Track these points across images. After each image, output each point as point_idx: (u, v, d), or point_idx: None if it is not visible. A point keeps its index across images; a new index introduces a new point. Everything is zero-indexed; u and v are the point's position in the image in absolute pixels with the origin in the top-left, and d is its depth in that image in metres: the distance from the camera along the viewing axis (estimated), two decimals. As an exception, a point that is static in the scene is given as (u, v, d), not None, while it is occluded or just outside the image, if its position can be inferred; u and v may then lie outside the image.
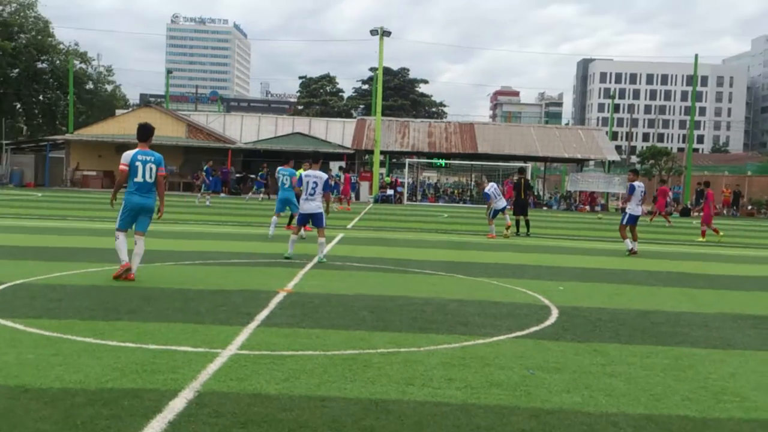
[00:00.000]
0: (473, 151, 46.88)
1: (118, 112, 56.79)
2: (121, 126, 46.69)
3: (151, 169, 9.28)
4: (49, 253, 11.87)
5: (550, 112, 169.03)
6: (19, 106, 57.16)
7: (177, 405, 4.46)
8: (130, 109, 55.84)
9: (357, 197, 43.66)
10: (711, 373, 5.85)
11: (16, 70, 53.61)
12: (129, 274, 9.20)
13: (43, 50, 54.78)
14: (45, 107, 58.16)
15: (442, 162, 45.26)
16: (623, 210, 16.97)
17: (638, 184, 16.22)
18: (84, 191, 41.07)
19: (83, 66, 59.30)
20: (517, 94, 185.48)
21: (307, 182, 12.12)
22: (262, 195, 35.76)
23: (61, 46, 57.00)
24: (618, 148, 64.86)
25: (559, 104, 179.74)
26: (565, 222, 29.78)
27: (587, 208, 44.45)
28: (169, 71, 69.49)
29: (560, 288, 10.21)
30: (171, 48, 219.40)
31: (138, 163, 9.23)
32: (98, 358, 5.46)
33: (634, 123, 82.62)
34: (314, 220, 12.34)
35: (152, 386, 4.82)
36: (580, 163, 52.74)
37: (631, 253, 15.48)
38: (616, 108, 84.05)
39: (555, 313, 8.15)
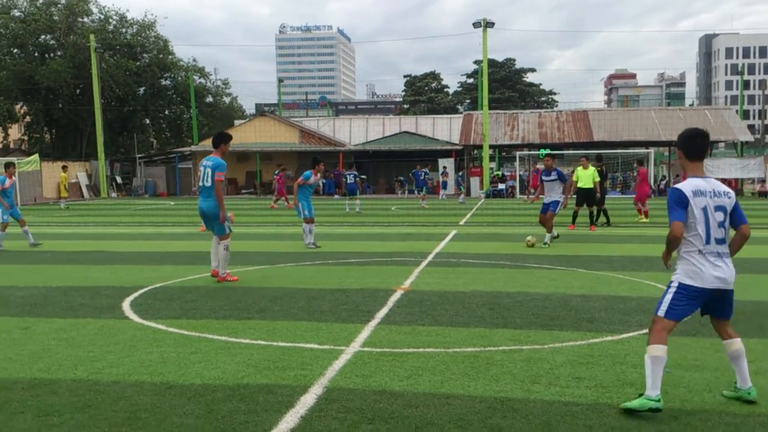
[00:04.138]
0: (588, 139, 45.30)
1: (237, 122, 59.42)
2: (240, 135, 48.64)
3: (208, 173, 9.49)
4: (183, 258, 12.63)
5: (672, 94, 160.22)
6: (147, 121, 61.06)
7: (308, 400, 4.64)
8: (248, 119, 58.23)
9: (468, 193, 43.37)
10: None
11: (142, 88, 57.29)
12: (213, 271, 9.87)
13: (164, 68, 58.19)
14: (171, 121, 61.76)
15: (542, 152, 43.89)
16: None
17: None
18: (209, 198, 43.17)
19: (202, 81, 62.50)
20: (633, 76, 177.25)
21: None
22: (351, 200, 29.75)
23: (181, 63, 60.34)
24: (750, 128, 60.64)
25: (682, 84, 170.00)
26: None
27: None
28: (280, 80, 72.05)
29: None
30: (280, 57, 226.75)
31: (201, 168, 9.66)
32: (233, 355, 5.77)
33: (767, 99, 76.74)
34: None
35: (284, 382, 5.04)
36: (709, 146, 49.73)
37: None
38: (746, 84, 78.58)
39: (689, 308, 7.75)
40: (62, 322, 7.15)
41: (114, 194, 47.29)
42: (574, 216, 18.68)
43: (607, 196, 20.27)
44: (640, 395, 4.44)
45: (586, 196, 18.44)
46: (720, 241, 4.53)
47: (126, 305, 7.98)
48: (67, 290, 9.08)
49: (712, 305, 4.66)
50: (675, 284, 4.56)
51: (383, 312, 7.53)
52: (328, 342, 6.22)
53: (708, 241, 4.48)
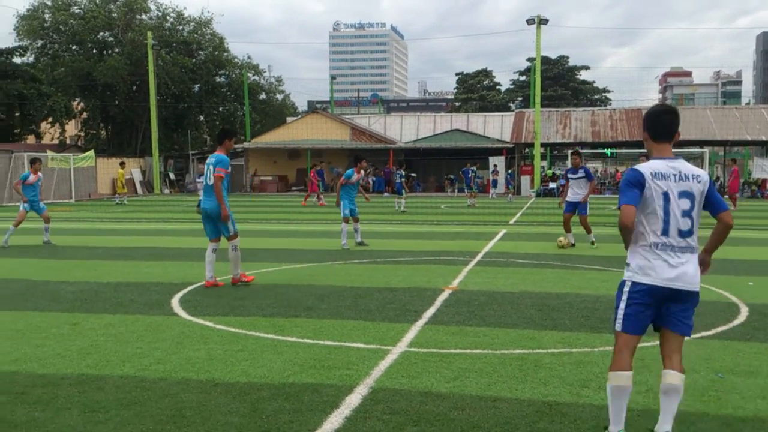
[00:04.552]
0: (641, 138, 44.29)
1: (289, 119, 60.02)
2: (292, 133, 49.34)
3: (210, 170, 9.03)
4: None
5: (728, 92, 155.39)
6: (202, 118, 62.21)
7: (353, 401, 4.61)
8: (299, 116, 58.79)
9: (518, 191, 42.85)
10: None
11: (197, 85, 58.40)
12: (233, 279, 9.30)
13: (219, 65, 59.16)
14: (224, 118, 62.82)
15: (609, 151, 43.00)
16: None
17: None
18: (262, 195, 43.86)
19: (256, 78, 63.33)
20: (689, 74, 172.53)
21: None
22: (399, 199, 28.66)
23: (236, 60, 61.26)
24: (812, 127, 58.28)
25: (738, 83, 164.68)
26: (752, 211, 27.28)
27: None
28: (332, 77, 72.35)
29: (750, 283, 9.37)
30: (333, 54, 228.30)
31: (205, 167, 9.27)
32: (280, 354, 5.78)
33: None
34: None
35: (329, 381, 5.03)
36: (765, 146, 48.08)
37: None
38: (809, 82, 75.68)
39: (744, 311, 7.48)
40: (111, 317, 7.28)
41: (167, 190, 48.33)
42: None
43: None
44: (605, 428, 3.95)
45: None
46: (684, 233, 3.80)
47: (175, 301, 8.10)
48: (117, 286, 9.27)
49: (667, 312, 3.87)
50: (627, 285, 3.87)
51: (431, 312, 7.46)
52: (375, 341, 6.18)
53: (666, 232, 3.78)
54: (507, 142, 46.59)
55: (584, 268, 10.91)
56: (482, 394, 4.75)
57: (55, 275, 10.33)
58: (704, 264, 4.04)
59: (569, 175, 14.52)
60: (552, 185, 42.70)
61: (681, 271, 3.79)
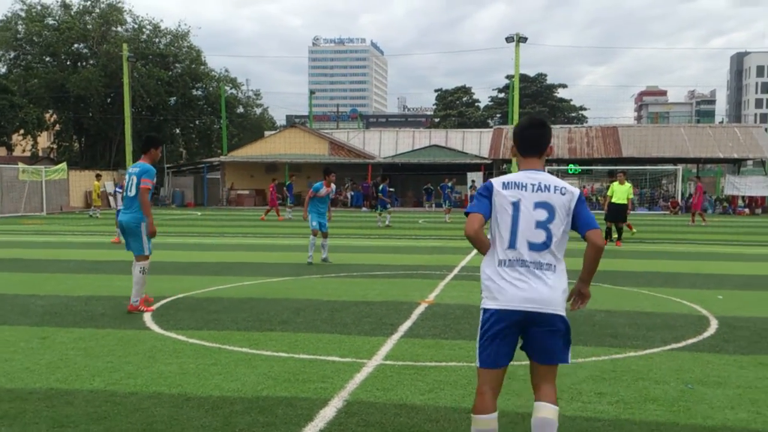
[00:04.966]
0: (617, 155, 44.84)
1: (267, 133, 59.89)
2: (269, 147, 49.22)
3: (133, 181, 8.23)
4: (207, 268, 12.69)
5: (702, 111, 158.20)
6: (178, 131, 61.82)
7: (327, 413, 4.60)
8: (278, 131, 58.72)
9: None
10: None
11: (173, 98, 58.10)
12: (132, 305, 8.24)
13: (196, 78, 58.95)
14: (201, 132, 62.49)
15: (577, 168, 43.42)
16: None
17: None
18: (238, 209, 43.64)
19: (233, 91, 63.17)
20: (664, 93, 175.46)
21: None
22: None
23: (213, 73, 61.08)
24: (781, 145, 59.47)
25: (712, 102, 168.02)
26: (723, 227, 27.73)
27: (747, 211, 41.17)
28: (311, 92, 72.41)
29: (719, 297, 9.51)
30: (313, 69, 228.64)
31: (126, 176, 8.48)
32: (254, 367, 5.74)
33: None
34: None
35: (304, 395, 5.00)
36: (737, 164, 48.96)
37: None
38: (778, 101, 77.37)
39: (714, 324, 7.60)
40: (82, 331, 7.18)
41: (143, 204, 47.81)
42: (607, 232, 18.42)
43: (633, 212, 20.06)
44: None
45: (618, 212, 18.19)
46: (536, 246, 3.38)
47: (147, 316, 8.00)
48: (88, 299, 9.14)
49: (529, 339, 3.44)
50: (481, 312, 3.47)
51: (407, 325, 7.47)
52: (350, 355, 6.17)
53: (513, 245, 3.39)
54: (485, 158, 46.95)
55: (559, 283, 10.99)
56: (456, 406, 4.76)
57: (24, 289, 10.16)
58: (580, 295, 3.62)
59: None
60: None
61: (533, 290, 3.35)
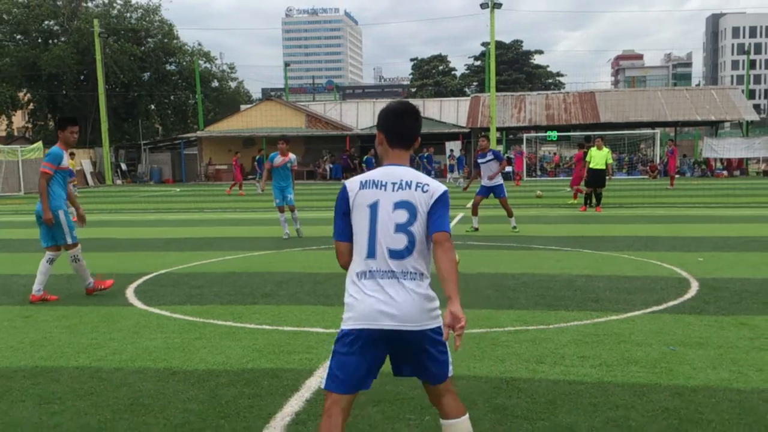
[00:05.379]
0: (595, 120, 45.03)
1: (243, 107, 59.31)
2: (246, 121, 48.75)
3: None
4: (189, 244, 12.62)
5: (678, 74, 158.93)
6: (153, 107, 61.02)
7: (313, 384, 4.62)
8: (254, 104, 58.15)
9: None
10: None
11: (147, 74, 57.26)
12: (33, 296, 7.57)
13: (169, 52, 58.06)
14: (176, 107, 61.76)
15: (554, 135, 43.54)
16: None
17: None
18: (217, 184, 43.31)
19: (207, 65, 62.35)
20: (640, 57, 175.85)
21: None
22: None
23: (186, 48, 60.17)
24: (756, 107, 60.19)
25: (688, 65, 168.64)
26: (701, 189, 28.06)
27: (725, 173, 41.67)
28: (286, 64, 71.60)
29: (699, 259, 9.65)
30: (287, 41, 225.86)
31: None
32: (238, 341, 5.75)
33: (774, 79, 76.01)
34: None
35: (289, 366, 5.02)
36: (714, 126, 49.40)
37: None
38: (752, 64, 78.09)
39: (695, 286, 7.71)
40: (65, 309, 7.14)
41: (119, 181, 47.36)
42: (586, 198, 18.60)
43: (612, 177, 20.22)
44: None
45: (596, 177, 18.30)
46: (395, 254, 2.91)
47: (130, 292, 7.97)
48: (70, 278, 9.05)
49: (401, 359, 2.99)
50: (338, 332, 3.03)
51: (388, 295, 7.49)
52: (334, 326, 6.18)
53: (372, 254, 2.92)
54: (463, 127, 46.91)
55: (540, 249, 11.09)
56: (441, 373, 4.79)
57: (5, 268, 10.07)
58: (454, 320, 2.79)
59: (479, 161, 14.02)
60: (508, 168, 43.17)
61: (392, 304, 2.87)
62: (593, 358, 5.09)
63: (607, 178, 18.32)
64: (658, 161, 42.60)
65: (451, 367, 3.06)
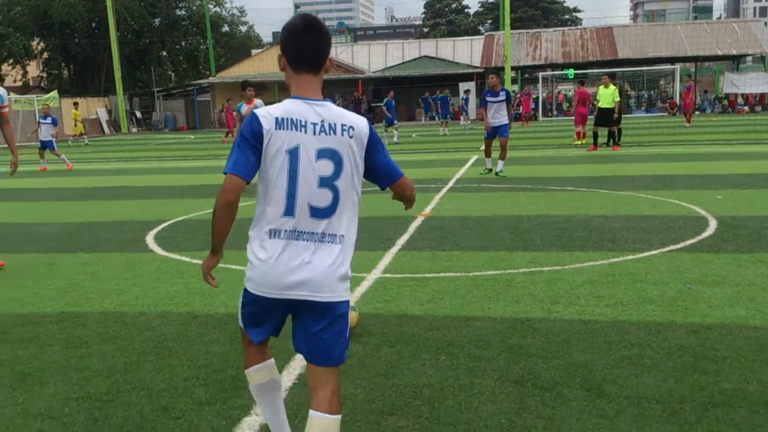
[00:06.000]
0: (613, 57, 44.09)
1: (254, 51, 58.65)
2: (258, 66, 48.22)
3: None
4: (204, 191, 12.68)
5: (699, 7, 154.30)
6: (164, 54, 60.52)
7: (330, 326, 4.69)
8: (265, 48, 57.43)
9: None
10: None
11: (157, 19, 56.58)
12: None
13: (178, -3, 57.31)
14: (188, 53, 61.20)
15: (571, 72, 42.63)
16: None
17: None
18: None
19: (217, 9, 61.44)
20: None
21: None
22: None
23: (195, -9, 59.22)
24: (780, 41, 58.42)
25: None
26: (721, 126, 27.60)
27: (746, 109, 40.87)
28: (296, 6, 70.38)
29: (718, 197, 9.57)
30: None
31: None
32: (256, 285, 5.82)
33: (799, 10, 73.67)
34: None
35: (307, 309, 5.10)
36: (735, 60, 48.17)
37: None
38: (777, -5, 75.42)
39: (713, 224, 7.68)
40: (87, 256, 7.26)
41: (134, 129, 47.40)
42: (595, 137, 18.39)
43: (630, 115, 19.93)
44: None
45: (604, 116, 18.02)
46: (318, 212, 2.50)
47: (150, 239, 8.08)
48: (91, 225, 9.20)
49: (299, 330, 2.56)
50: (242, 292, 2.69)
51: (404, 239, 7.55)
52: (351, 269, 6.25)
53: (291, 211, 2.50)
54: (477, 67, 46.15)
55: (555, 190, 11.04)
56: (456, 315, 4.86)
57: (27, 217, 10.23)
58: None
59: (489, 98, 13.33)
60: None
61: (305, 270, 2.47)
62: (609, 298, 5.12)
63: (614, 116, 17.93)
64: (678, 98, 41.81)
65: (346, 353, 2.63)
